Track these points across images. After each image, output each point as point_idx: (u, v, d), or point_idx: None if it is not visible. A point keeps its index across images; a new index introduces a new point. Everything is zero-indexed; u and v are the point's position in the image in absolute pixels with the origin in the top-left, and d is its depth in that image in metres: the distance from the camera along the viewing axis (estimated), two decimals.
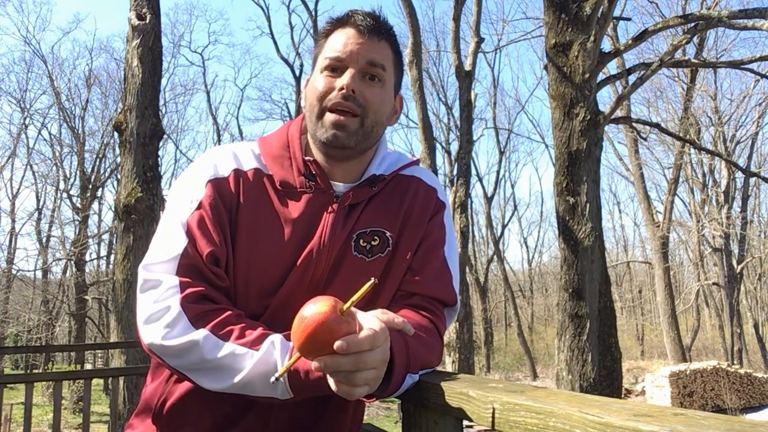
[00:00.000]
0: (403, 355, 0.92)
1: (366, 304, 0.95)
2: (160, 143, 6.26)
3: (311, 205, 1.08)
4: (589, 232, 6.49)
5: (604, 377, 6.37)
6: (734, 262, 22.11)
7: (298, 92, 25.28)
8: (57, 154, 24.83)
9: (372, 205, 1.13)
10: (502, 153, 29.39)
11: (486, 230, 31.48)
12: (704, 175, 23.97)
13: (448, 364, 13.24)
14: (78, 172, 24.09)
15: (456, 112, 23.59)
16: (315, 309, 0.79)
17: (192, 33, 77.09)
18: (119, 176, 6.47)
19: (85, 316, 22.00)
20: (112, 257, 23.21)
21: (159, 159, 6.29)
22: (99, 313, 24.44)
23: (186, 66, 66.07)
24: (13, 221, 23.88)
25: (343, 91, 1.05)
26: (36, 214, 24.66)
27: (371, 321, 0.83)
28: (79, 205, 23.50)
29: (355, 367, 0.79)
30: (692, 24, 7.15)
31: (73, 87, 26.17)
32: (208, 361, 0.92)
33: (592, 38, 6.65)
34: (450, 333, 12.89)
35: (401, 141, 36.20)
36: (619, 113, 14.90)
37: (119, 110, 7.33)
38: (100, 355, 21.38)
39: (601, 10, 6.64)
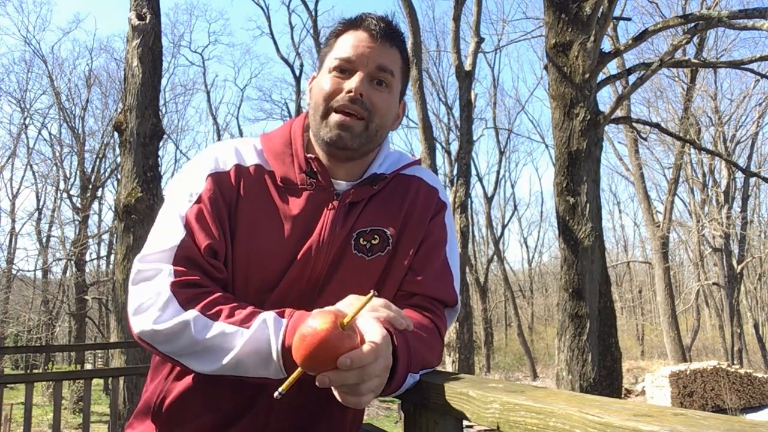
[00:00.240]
0: (405, 354, 0.92)
1: None
2: (160, 143, 6.26)
3: (311, 201, 1.08)
4: (589, 232, 6.48)
5: (604, 377, 6.37)
6: (734, 262, 22.10)
7: (298, 92, 25.26)
8: (57, 154, 24.87)
9: (373, 204, 1.12)
10: (502, 153, 29.42)
11: (486, 230, 31.52)
12: (704, 175, 23.97)
13: (448, 364, 13.23)
14: (78, 172, 24.11)
15: (456, 112, 23.65)
16: (316, 326, 0.78)
17: (192, 33, 77.25)
18: (119, 176, 6.47)
19: (85, 316, 21.99)
20: (112, 257, 23.20)
21: (159, 159, 6.30)
22: (99, 313, 24.43)
23: (186, 66, 66.29)
24: (13, 221, 23.90)
25: (351, 93, 1.05)
26: (36, 214, 24.70)
27: (373, 330, 0.83)
28: (79, 205, 23.50)
29: (360, 379, 0.79)
30: (692, 24, 7.15)
31: (73, 87, 26.22)
32: (198, 343, 0.91)
33: (592, 38, 6.65)
34: (450, 333, 12.88)
35: (401, 141, 36.16)
36: (619, 113, 14.89)
37: (119, 110, 7.33)
38: (100, 355, 21.37)
39: (601, 10, 6.64)
